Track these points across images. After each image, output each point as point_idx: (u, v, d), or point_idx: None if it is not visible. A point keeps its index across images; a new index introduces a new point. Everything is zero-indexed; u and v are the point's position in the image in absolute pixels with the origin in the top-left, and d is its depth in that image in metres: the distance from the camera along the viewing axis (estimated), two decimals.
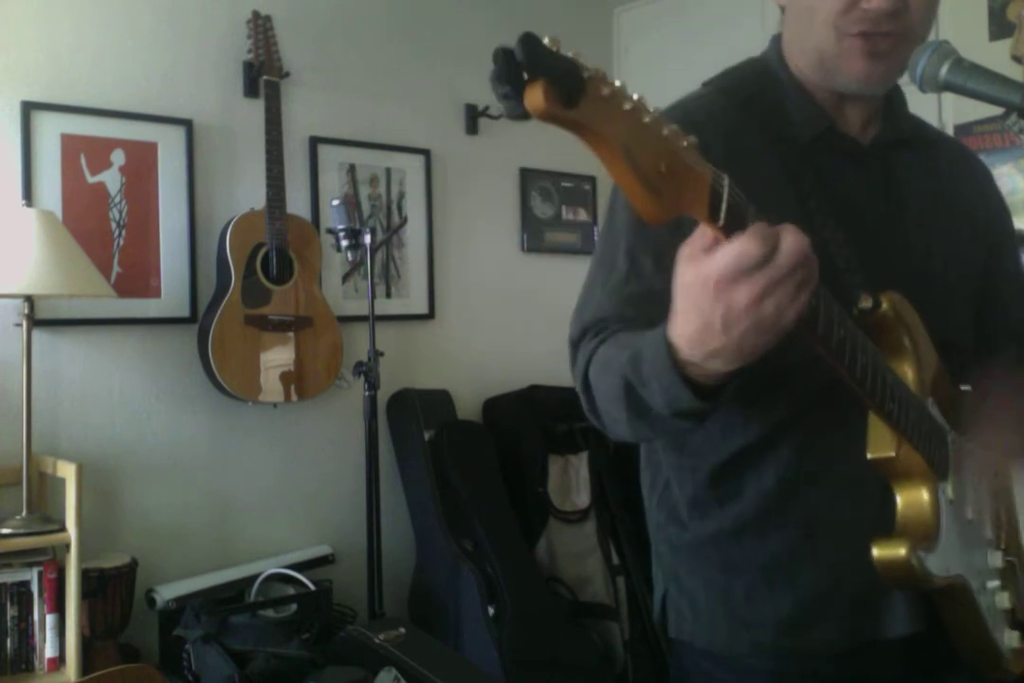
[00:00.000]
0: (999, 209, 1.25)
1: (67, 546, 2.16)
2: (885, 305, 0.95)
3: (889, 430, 0.95)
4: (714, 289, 0.71)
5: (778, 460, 1.03)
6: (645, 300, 0.98)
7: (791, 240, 0.71)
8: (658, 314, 0.87)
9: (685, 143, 0.68)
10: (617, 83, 0.63)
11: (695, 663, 1.11)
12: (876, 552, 0.94)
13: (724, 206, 0.69)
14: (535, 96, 0.59)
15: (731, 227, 0.70)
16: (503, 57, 0.59)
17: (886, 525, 0.98)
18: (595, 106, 0.61)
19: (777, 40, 1.12)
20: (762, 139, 1.04)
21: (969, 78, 0.98)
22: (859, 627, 1.04)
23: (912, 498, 0.98)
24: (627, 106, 0.63)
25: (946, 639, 1.06)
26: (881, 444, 0.96)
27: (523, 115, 0.61)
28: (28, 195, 2.37)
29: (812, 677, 1.06)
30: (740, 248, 0.69)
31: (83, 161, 2.48)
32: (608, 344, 0.95)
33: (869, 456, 0.96)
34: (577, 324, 1.03)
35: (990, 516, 1.11)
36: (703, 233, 0.73)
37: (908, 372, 0.98)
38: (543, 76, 0.58)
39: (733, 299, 0.71)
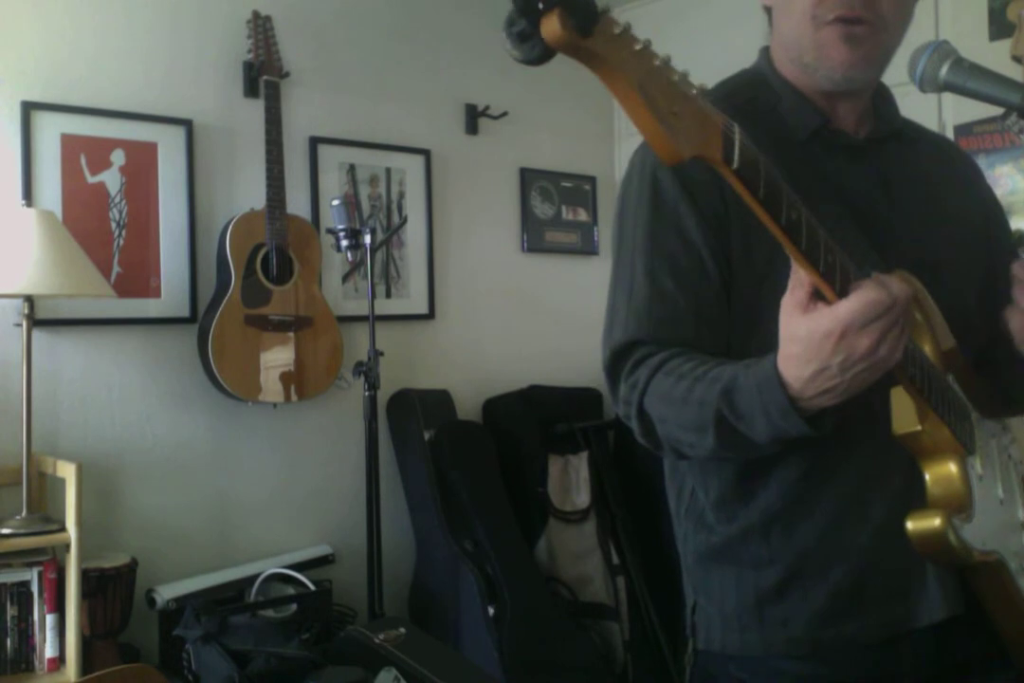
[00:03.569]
0: (992, 203, 1.27)
1: (67, 546, 2.16)
2: None
3: (913, 403, 0.94)
4: (837, 339, 0.78)
5: (801, 451, 1.02)
6: (674, 323, 1.01)
7: (899, 286, 0.78)
8: (689, 335, 0.99)
9: (694, 90, 0.70)
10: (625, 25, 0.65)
11: (724, 671, 1.10)
12: (911, 525, 0.94)
13: (737, 150, 0.72)
14: (552, 24, 0.61)
15: (745, 173, 0.73)
16: None
17: (915, 507, 0.98)
18: (608, 41, 0.64)
19: (766, 50, 1.16)
20: (760, 140, 1.05)
21: (969, 78, 0.98)
22: (894, 614, 1.04)
23: (940, 472, 0.97)
24: (637, 46, 0.66)
25: (978, 633, 1.06)
26: (906, 419, 0.96)
27: (539, 56, 0.63)
28: (28, 195, 2.37)
29: (843, 680, 1.06)
30: (872, 297, 0.77)
31: (83, 161, 2.48)
32: (666, 374, 0.97)
33: (896, 432, 0.96)
34: (607, 348, 1.05)
35: (1022, 498, 1.10)
36: (800, 283, 0.79)
37: (925, 347, 0.98)
38: (558, 5, 0.61)
39: (854, 347, 0.79)
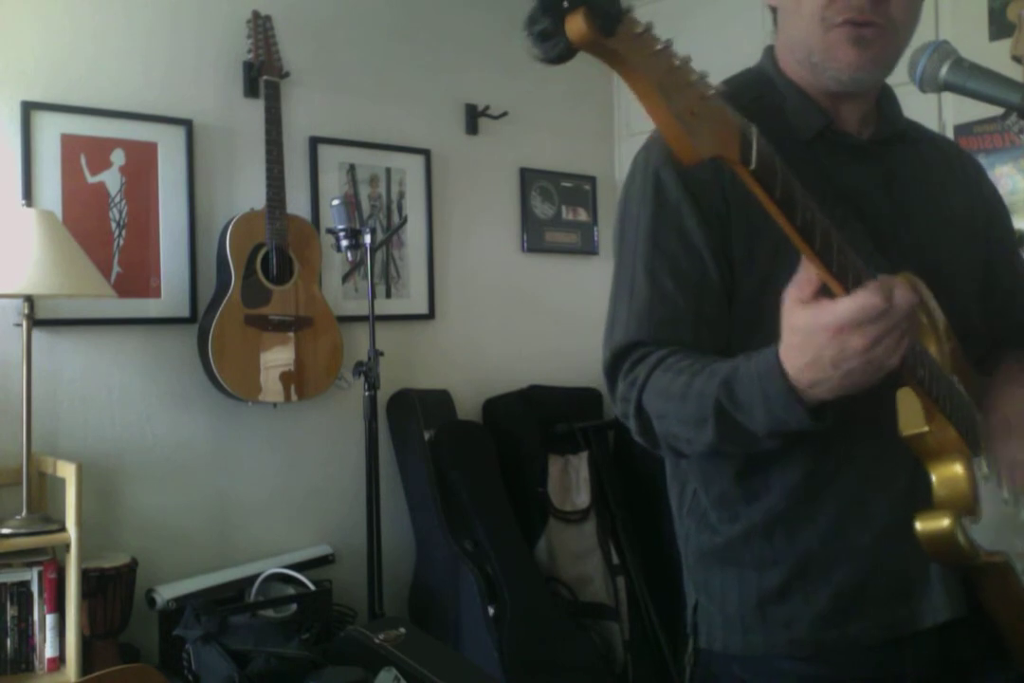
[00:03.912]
0: (996, 204, 1.27)
1: (67, 546, 2.16)
2: None
3: (920, 404, 0.94)
4: (832, 334, 0.79)
5: (803, 452, 1.02)
6: (675, 324, 1.02)
7: (903, 294, 0.78)
8: (689, 336, 0.99)
9: (712, 91, 0.70)
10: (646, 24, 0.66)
11: (727, 671, 1.10)
12: (919, 525, 0.94)
13: (754, 151, 0.73)
14: (577, 23, 0.62)
15: (762, 174, 0.74)
16: None
17: (919, 509, 0.98)
18: (630, 41, 0.64)
19: (770, 49, 1.16)
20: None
21: (969, 78, 0.98)
22: (897, 615, 1.04)
23: (947, 473, 0.97)
24: (658, 46, 0.66)
25: (980, 634, 1.06)
26: (913, 420, 0.96)
27: (560, 55, 0.63)
28: (28, 195, 2.37)
29: (845, 681, 1.06)
30: (865, 301, 0.77)
31: (83, 161, 2.48)
32: (664, 371, 0.97)
33: (902, 433, 0.96)
34: (608, 349, 1.05)
35: None
36: (808, 280, 0.79)
37: (930, 348, 0.98)
38: (584, 4, 0.61)
39: (847, 344, 0.79)
